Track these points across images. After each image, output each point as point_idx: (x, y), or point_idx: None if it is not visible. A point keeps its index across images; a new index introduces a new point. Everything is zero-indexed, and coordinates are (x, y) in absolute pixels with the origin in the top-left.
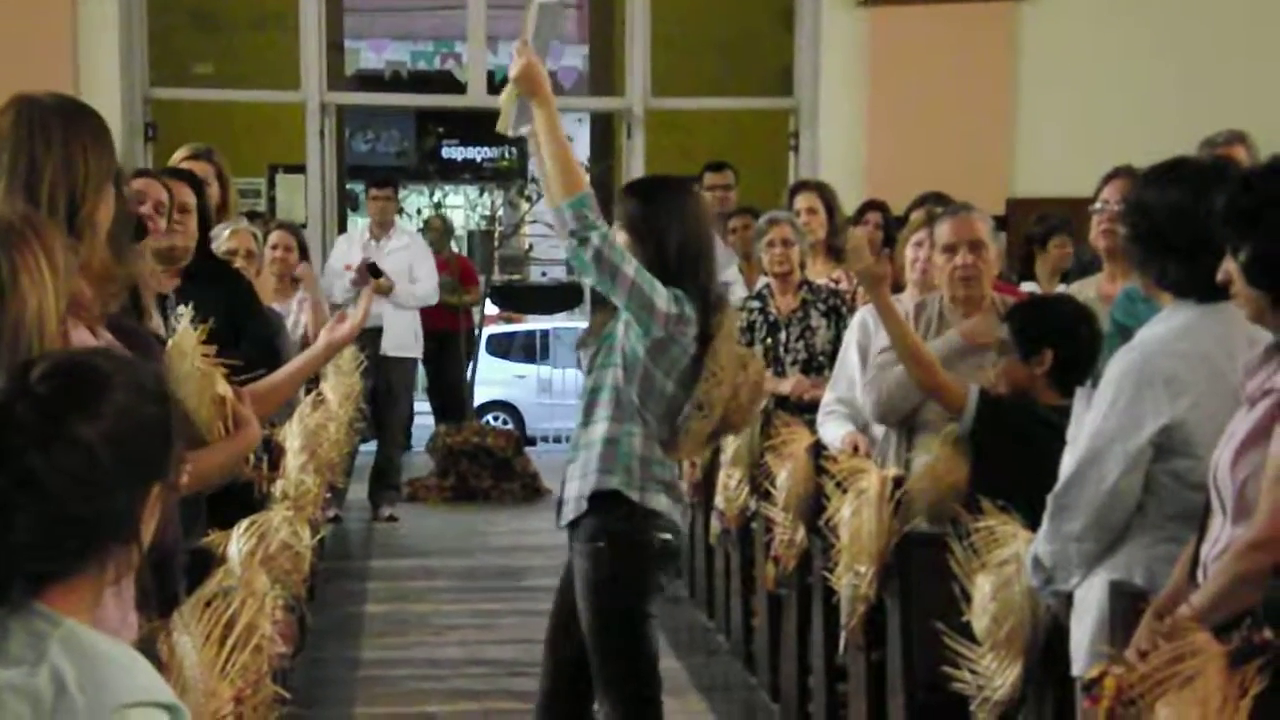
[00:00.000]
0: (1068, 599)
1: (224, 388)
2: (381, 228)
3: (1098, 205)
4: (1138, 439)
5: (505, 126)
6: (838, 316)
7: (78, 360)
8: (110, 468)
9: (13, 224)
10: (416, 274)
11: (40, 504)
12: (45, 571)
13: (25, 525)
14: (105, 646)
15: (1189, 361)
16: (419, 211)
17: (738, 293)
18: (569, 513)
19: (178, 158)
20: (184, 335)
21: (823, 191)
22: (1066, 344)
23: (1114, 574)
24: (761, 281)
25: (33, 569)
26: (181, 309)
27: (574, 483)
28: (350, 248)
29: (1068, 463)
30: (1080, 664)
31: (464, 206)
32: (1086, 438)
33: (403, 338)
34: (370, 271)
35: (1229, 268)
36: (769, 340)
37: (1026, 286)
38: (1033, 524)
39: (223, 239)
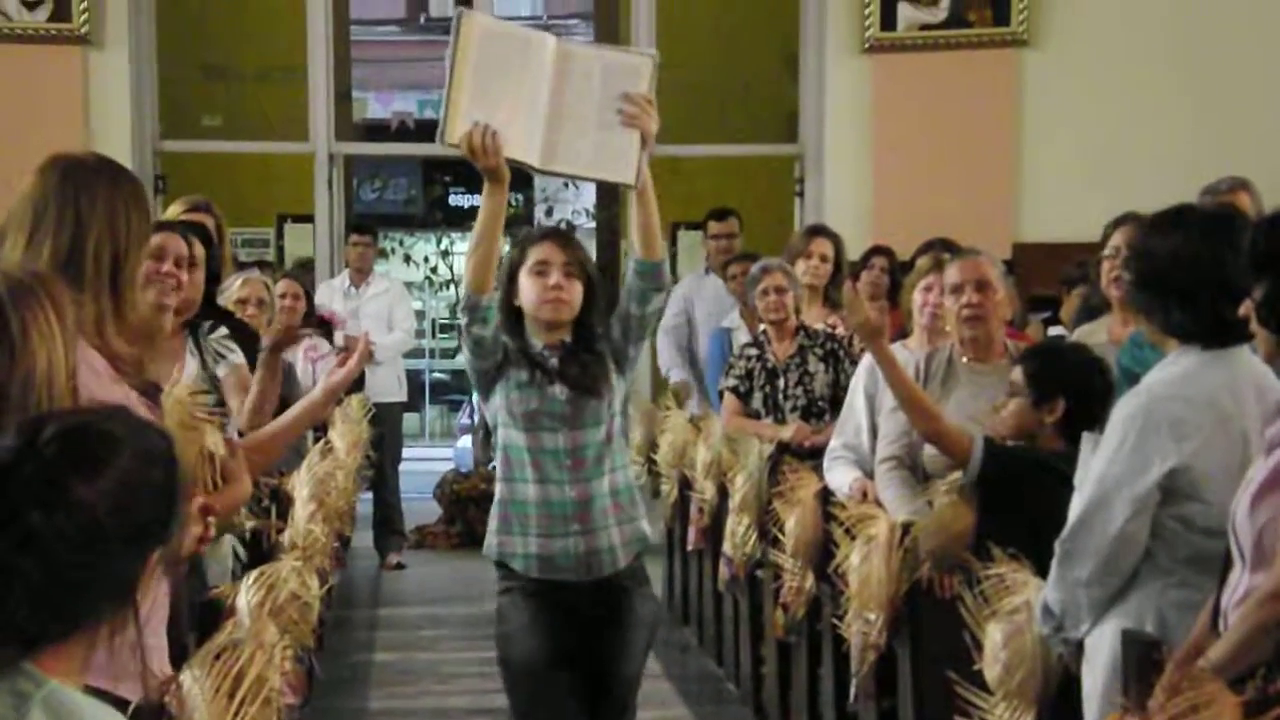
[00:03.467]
0: (1078, 647)
1: (214, 441)
2: (360, 274)
3: (1108, 251)
4: (1144, 483)
5: (634, 178)
6: (835, 361)
7: (88, 422)
8: (111, 533)
9: (23, 282)
10: (394, 319)
11: (39, 568)
12: (41, 636)
13: (23, 589)
14: (86, 710)
15: (1195, 406)
16: (426, 259)
17: (739, 338)
18: (621, 559)
19: (175, 210)
20: (177, 389)
21: (837, 241)
22: (1080, 394)
23: (1124, 620)
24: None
25: (28, 634)
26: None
27: (614, 529)
28: (331, 296)
29: (1075, 507)
30: (1093, 714)
31: None
32: (1093, 482)
33: (386, 383)
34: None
35: (1248, 305)
36: (768, 387)
37: (1055, 330)
38: (1042, 572)
39: (234, 288)
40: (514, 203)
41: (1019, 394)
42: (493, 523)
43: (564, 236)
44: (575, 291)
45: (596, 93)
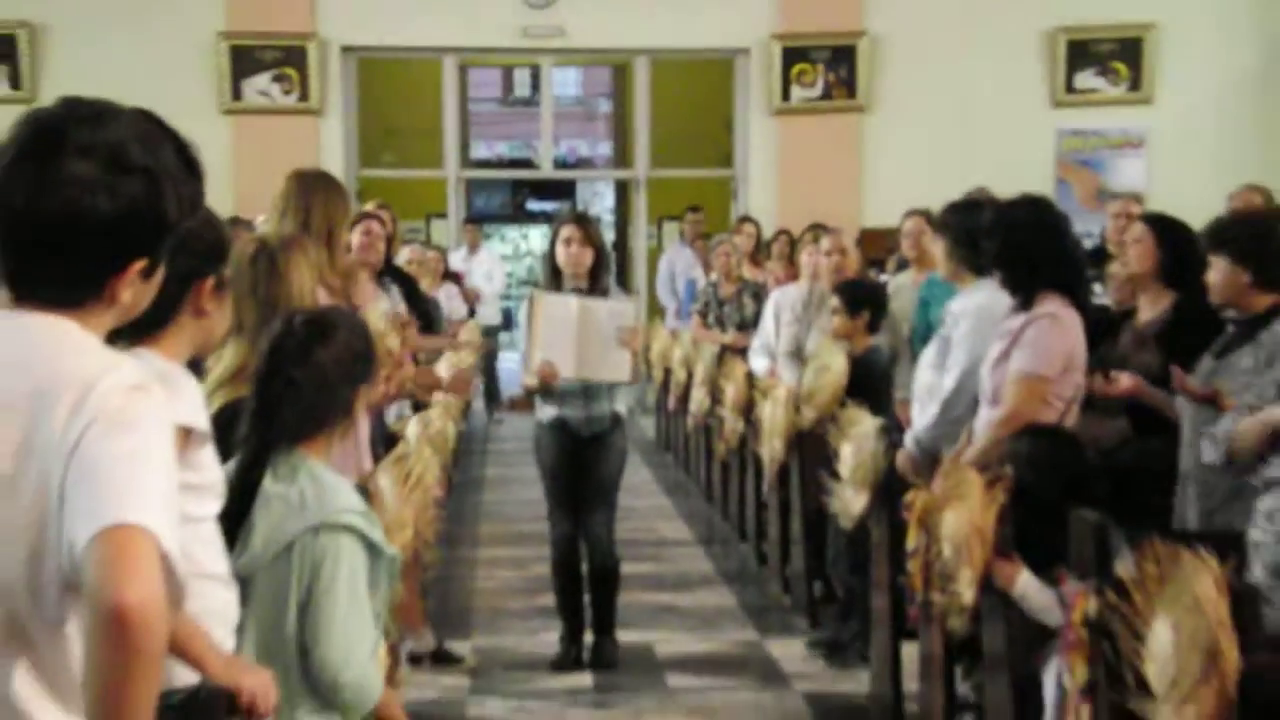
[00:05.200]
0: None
1: (393, 343)
2: (473, 248)
3: (904, 232)
4: (992, 356)
5: (629, 376)
6: (758, 298)
7: (321, 313)
8: (337, 377)
9: (286, 239)
10: (493, 275)
11: (297, 398)
12: (301, 434)
13: (290, 410)
14: (329, 478)
15: (1003, 312)
16: (512, 240)
17: (699, 282)
18: (607, 422)
19: (369, 206)
20: (372, 309)
21: (757, 226)
22: (873, 306)
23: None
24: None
25: (294, 434)
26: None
27: (605, 404)
28: (458, 260)
29: (950, 380)
30: None
31: (542, 240)
32: (961, 361)
33: (489, 314)
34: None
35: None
36: (718, 311)
37: (883, 278)
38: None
39: (404, 254)
40: (562, 208)
41: (839, 312)
42: (538, 399)
43: (582, 218)
44: (587, 255)
45: (604, 328)
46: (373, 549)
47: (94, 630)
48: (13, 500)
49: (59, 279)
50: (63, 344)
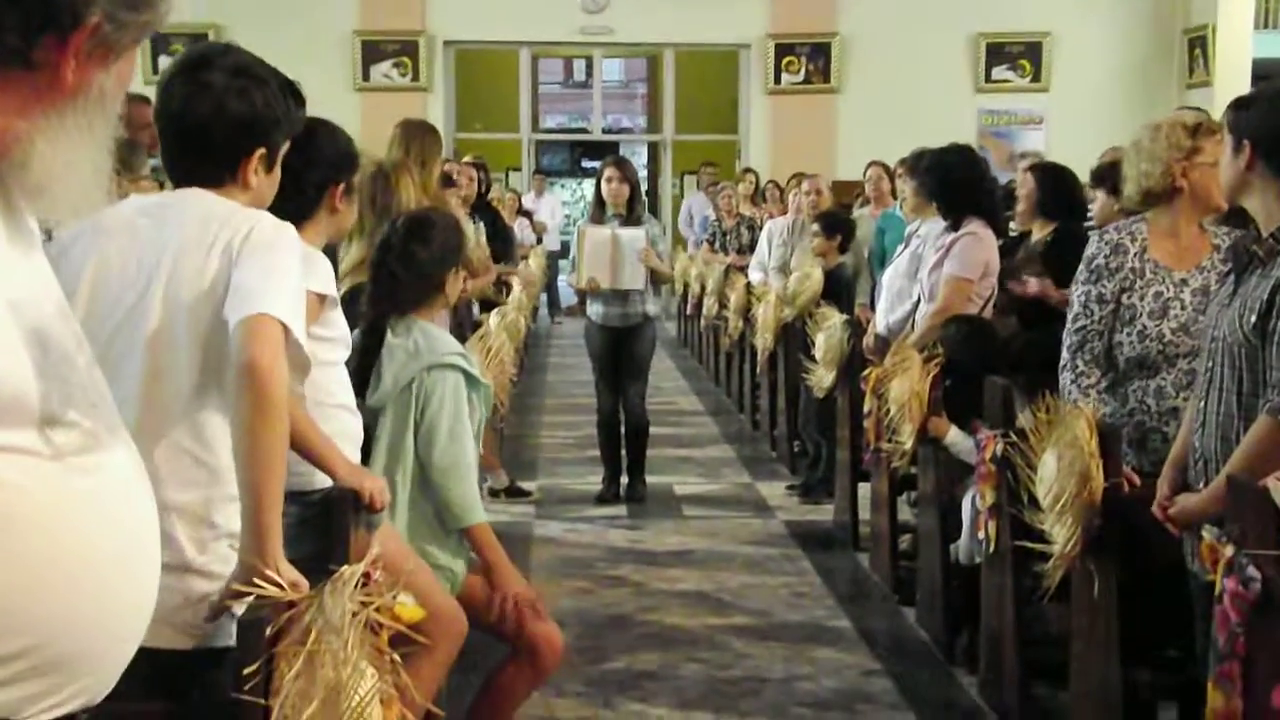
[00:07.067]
0: None
1: (481, 255)
2: (539, 193)
3: (867, 178)
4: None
5: (642, 284)
6: (752, 229)
7: (420, 214)
8: (434, 264)
9: (395, 162)
10: (554, 213)
11: (400, 285)
12: (410, 306)
13: (401, 291)
14: (435, 330)
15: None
16: (572, 191)
17: (710, 219)
18: (639, 318)
19: (465, 159)
20: (470, 231)
21: (756, 176)
22: (846, 233)
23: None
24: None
25: (407, 305)
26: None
27: (637, 305)
28: (529, 201)
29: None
30: None
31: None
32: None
33: (551, 242)
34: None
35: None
36: (723, 240)
37: (855, 213)
38: (843, 311)
39: (493, 193)
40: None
41: (819, 235)
42: (588, 300)
43: (620, 161)
44: (625, 191)
45: (628, 251)
46: (471, 379)
47: (236, 382)
48: (208, 294)
49: (205, 163)
50: (228, 205)
